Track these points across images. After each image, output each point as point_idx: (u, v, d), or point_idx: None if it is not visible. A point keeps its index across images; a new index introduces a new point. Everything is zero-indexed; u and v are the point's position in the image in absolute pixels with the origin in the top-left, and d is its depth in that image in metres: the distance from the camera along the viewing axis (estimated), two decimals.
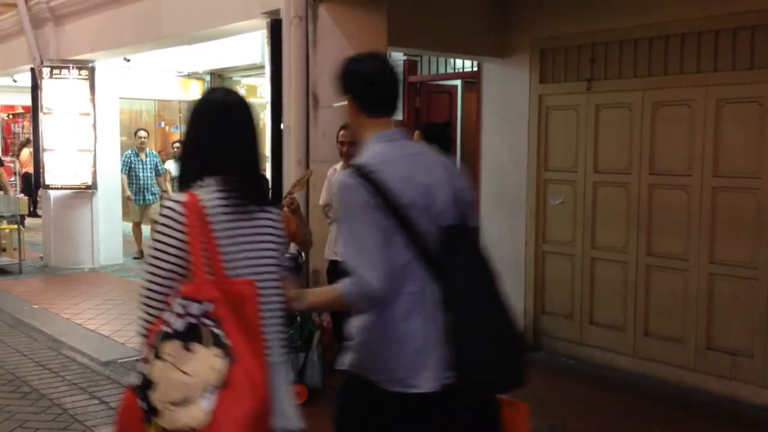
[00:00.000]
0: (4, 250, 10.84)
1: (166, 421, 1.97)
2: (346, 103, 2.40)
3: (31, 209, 12.68)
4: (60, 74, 9.79)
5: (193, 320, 2.01)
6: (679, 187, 5.93)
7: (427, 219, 2.23)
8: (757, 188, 5.48)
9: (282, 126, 5.68)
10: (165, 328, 2.02)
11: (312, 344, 4.69)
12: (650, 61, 6.10)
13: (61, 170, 10.07)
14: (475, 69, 7.65)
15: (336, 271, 5.32)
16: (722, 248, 5.70)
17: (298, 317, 4.76)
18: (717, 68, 5.70)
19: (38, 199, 12.19)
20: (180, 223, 2.08)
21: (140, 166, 10.60)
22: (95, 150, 10.06)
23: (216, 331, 2.00)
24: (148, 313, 2.10)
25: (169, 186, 10.66)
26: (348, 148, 5.16)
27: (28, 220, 12.75)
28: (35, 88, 10.19)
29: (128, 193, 10.65)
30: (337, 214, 2.29)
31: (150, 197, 10.73)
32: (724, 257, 5.70)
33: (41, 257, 10.80)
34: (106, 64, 10.03)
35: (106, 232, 10.50)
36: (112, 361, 5.91)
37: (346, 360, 2.35)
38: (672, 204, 5.94)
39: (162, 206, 2.25)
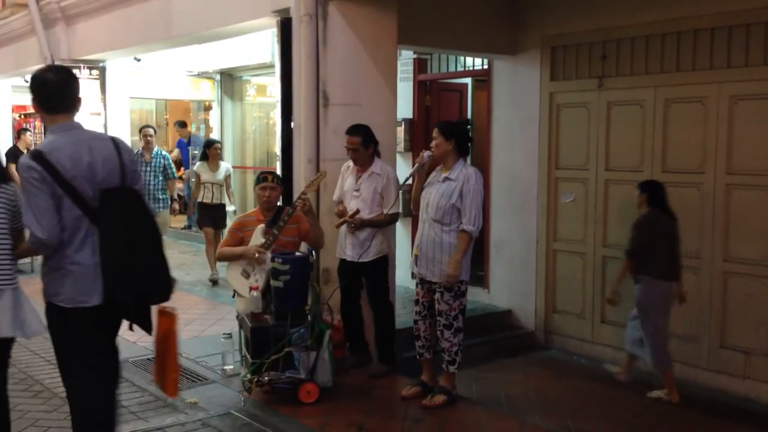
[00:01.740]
0: None
1: None
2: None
3: None
4: None
5: None
6: (692, 185, 5.89)
7: (89, 186, 3.08)
8: None
9: (292, 125, 5.68)
10: None
11: (323, 343, 4.68)
12: (662, 57, 6.06)
13: None
14: (486, 67, 7.63)
15: (345, 269, 5.33)
16: (736, 246, 5.66)
17: (309, 316, 4.76)
18: (730, 64, 5.66)
19: None
20: None
21: (144, 169, 8.55)
22: None
23: None
24: None
25: (199, 191, 8.78)
26: (352, 154, 5.16)
27: None
28: None
29: None
30: (20, 188, 3.06)
31: (153, 205, 8.40)
32: (737, 255, 5.66)
33: None
34: (117, 64, 10.05)
35: None
36: (124, 360, 5.88)
37: (44, 292, 3.20)
38: (685, 201, 5.90)
39: None
